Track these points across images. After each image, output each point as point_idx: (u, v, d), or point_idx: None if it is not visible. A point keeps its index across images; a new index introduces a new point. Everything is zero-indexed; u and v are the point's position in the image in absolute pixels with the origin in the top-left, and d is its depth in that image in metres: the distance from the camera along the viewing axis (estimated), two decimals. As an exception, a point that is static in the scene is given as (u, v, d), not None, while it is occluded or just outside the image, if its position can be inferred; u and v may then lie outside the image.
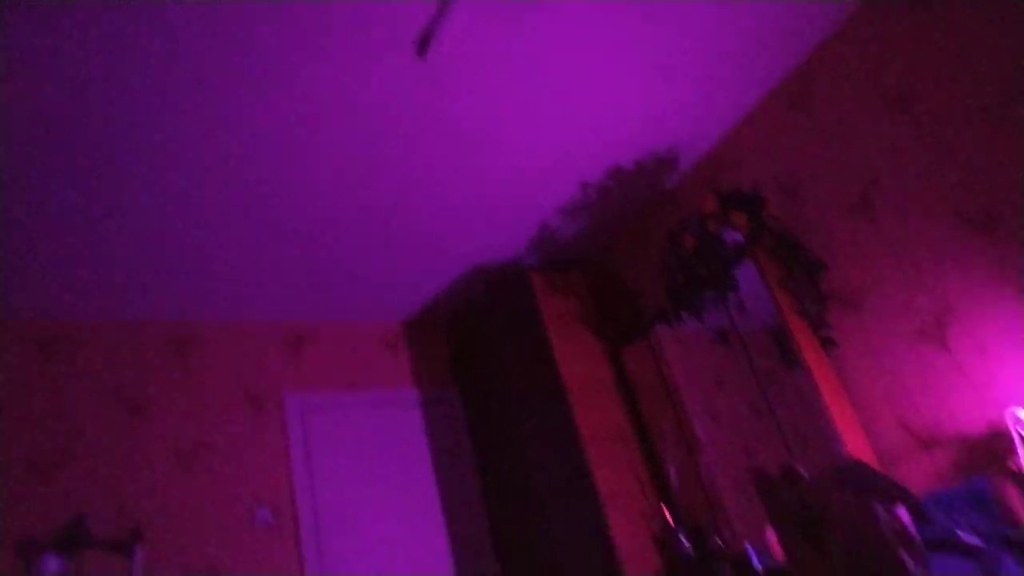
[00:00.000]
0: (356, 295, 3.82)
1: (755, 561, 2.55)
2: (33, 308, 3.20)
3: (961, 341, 2.40)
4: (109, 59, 2.10)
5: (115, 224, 2.80)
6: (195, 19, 2.05)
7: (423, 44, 2.37)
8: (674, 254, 3.08)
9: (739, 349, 2.99)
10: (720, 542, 2.76)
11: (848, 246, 2.75)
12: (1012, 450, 2.15)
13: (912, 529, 0.37)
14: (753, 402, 2.92)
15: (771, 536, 2.56)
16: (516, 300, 3.66)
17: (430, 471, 3.83)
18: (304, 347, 3.85)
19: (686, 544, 2.71)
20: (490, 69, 2.55)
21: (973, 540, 2.04)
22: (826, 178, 2.84)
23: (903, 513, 0.39)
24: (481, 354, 3.93)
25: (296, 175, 2.80)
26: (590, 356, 3.45)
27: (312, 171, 2.80)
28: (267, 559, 3.21)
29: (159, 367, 3.43)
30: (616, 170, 3.32)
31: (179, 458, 3.25)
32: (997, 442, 2.24)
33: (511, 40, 2.45)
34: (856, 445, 2.52)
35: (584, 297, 3.67)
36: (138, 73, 2.17)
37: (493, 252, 3.74)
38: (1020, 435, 2.11)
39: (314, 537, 3.34)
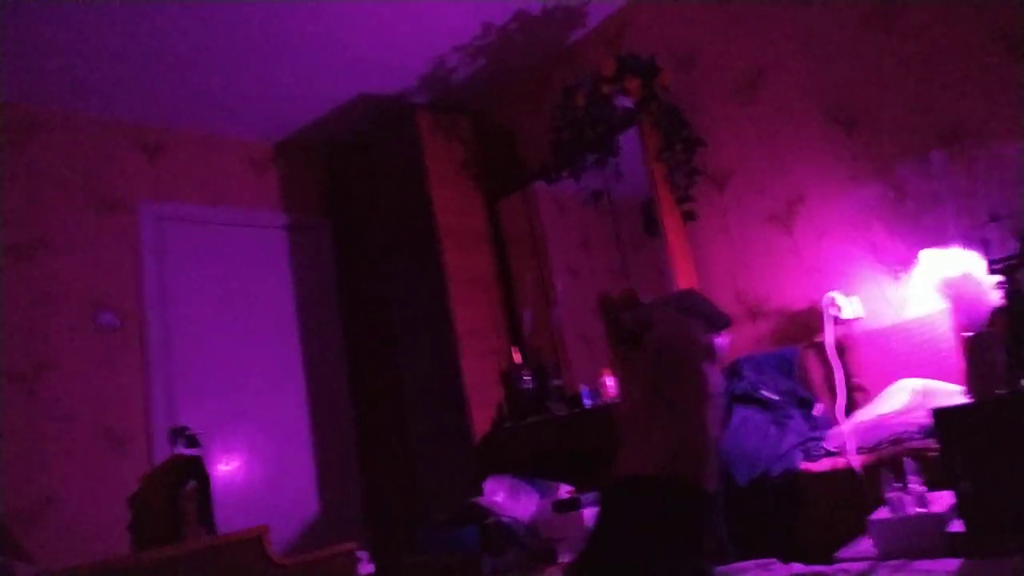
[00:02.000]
0: (226, 107, 3.63)
1: (585, 399, 2.89)
2: None
3: (804, 228, 2.70)
4: None
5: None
6: None
7: None
8: (564, 111, 3.16)
9: (609, 213, 3.19)
10: (559, 383, 3.08)
11: (726, 127, 2.94)
12: (821, 327, 2.51)
13: (720, 349, 0.47)
14: (613, 264, 3.16)
15: (604, 380, 2.89)
16: (399, 136, 3.64)
17: (291, 297, 3.89)
18: (165, 155, 3.66)
19: (528, 382, 2.99)
20: None
21: (772, 396, 2.41)
22: (720, 59, 2.98)
23: (719, 338, 0.49)
24: (356, 186, 3.92)
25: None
26: (466, 202, 3.55)
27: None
28: (108, 362, 3.21)
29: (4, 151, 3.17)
30: (521, 15, 3.29)
31: (15, 252, 3.09)
32: (811, 319, 2.60)
33: None
34: (695, 311, 2.83)
35: (469, 144, 3.71)
36: None
37: (380, 82, 3.65)
38: (830, 315, 2.47)
39: (162, 347, 3.36)
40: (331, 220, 4.18)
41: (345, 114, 3.91)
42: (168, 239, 3.56)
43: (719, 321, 0.64)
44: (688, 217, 2.96)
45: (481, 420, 3.18)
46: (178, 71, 3.27)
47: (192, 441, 3.18)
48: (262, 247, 3.88)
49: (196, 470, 2.29)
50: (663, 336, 0.57)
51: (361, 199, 3.87)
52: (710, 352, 0.57)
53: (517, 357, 3.24)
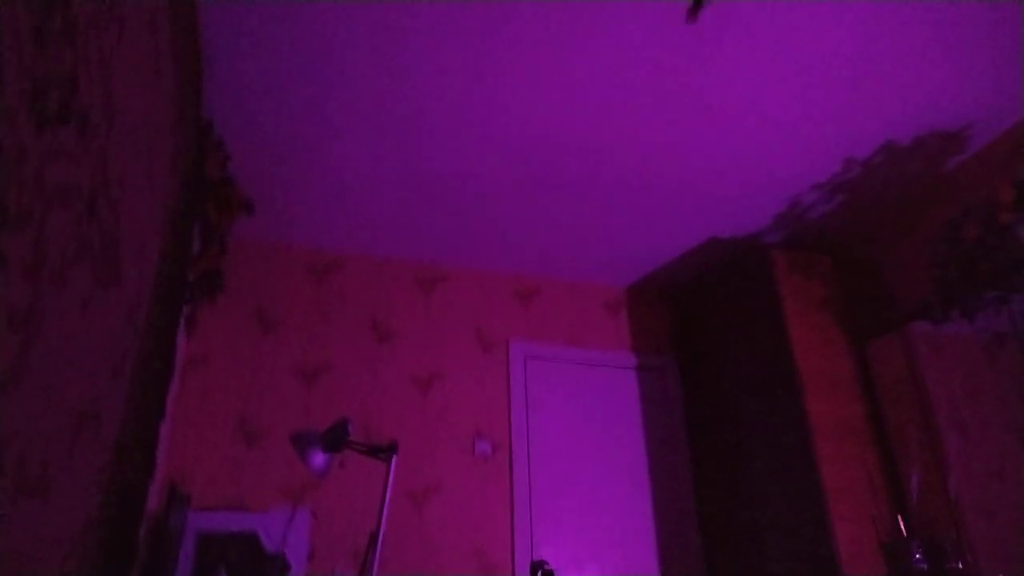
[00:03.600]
0: (586, 256, 4.05)
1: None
2: (307, 237, 3.81)
3: None
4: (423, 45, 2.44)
5: (386, 170, 3.24)
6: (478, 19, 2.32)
7: (694, 9, 2.44)
8: (951, 245, 2.90)
9: (1014, 359, 2.76)
10: (960, 565, 2.64)
11: None
12: None
13: None
14: (1013, 421, 2.70)
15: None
16: (753, 276, 3.66)
17: (640, 434, 4.02)
18: (532, 300, 4.19)
19: (920, 559, 2.62)
20: (758, 38, 2.55)
21: None
22: None
23: None
24: (706, 327, 3.99)
25: (551, 135, 3.03)
26: (829, 344, 3.38)
27: (562, 133, 3.02)
28: (481, 489, 3.61)
29: (405, 301, 3.95)
30: (888, 146, 3.16)
31: (416, 384, 3.74)
32: None
33: (782, 9, 2.44)
34: None
35: (830, 282, 3.57)
36: (430, 61, 2.50)
37: (733, 225, 3.75)
38: None
39: (524, 479, 3.69)
40: (679, 360, 4.30)
41: (695, 256, 4.07)
42: (532, 376, 3.98)
43: None
44: None
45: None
46: (548, 225, 3.76)
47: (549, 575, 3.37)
48: (614, 385, 4.12)
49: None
50: None
51: (710, 339, 3.92)
52: None
53: (903, 527, 2.87)
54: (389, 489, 2.51)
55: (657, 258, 4.10)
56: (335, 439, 2.73)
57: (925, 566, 2.57)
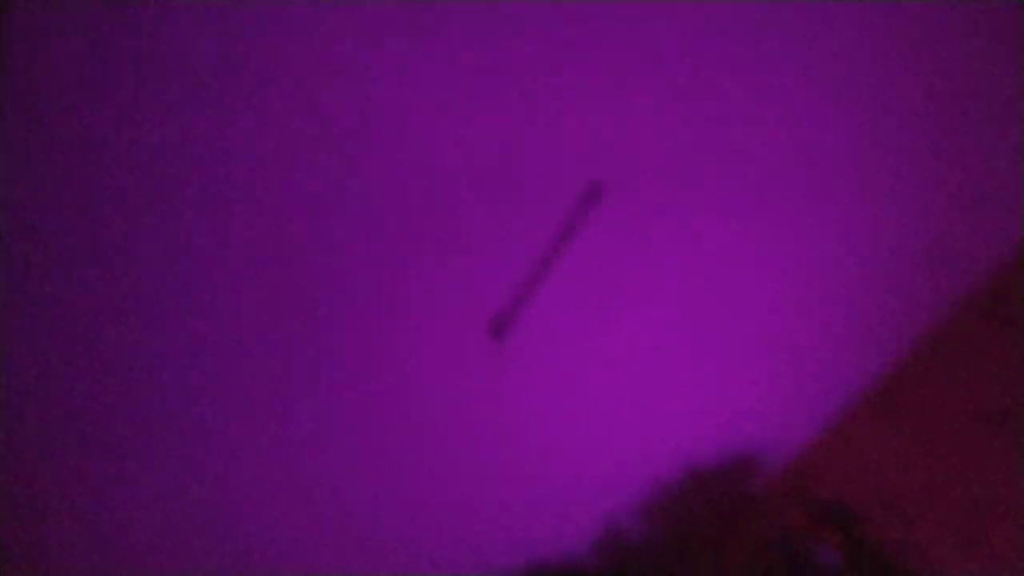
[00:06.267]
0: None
1: None
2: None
3: None
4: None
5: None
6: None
7: (499, 328, 2.66)
8: (760, 570, 3.01)
9: None
10: None
11: (961, 581, 2.66)
12: None
13: None
14: None
15: None
16: (575, 609, 3.53)
17: None
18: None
19: None
20: (563, 362, 2.80)
21: None
22: (926, 497, 2.85)
23: None
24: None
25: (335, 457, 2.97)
26: None
27: (350, 455, 2.98)
28: None
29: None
30: (692, 470, 3.40)
31: None
32: None
33: (588, 335, 2.73)
34: None
35: (653, 613, 3.52)
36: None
37: (553, 547, 3.70)
38: None
39: None
40: None
41: (514, 586, 3.91)
42: None
43: None
44: None
45: None
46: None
47: None
48: None
49: None
50: None
51: None
52: None
53: None
54: None
55: (473, 591, 3.88)
56: None
57: None
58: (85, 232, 1.78)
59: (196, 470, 2.46)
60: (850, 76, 2.28)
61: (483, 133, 2.09)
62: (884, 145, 2.48)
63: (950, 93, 2.41)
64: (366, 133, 1.97)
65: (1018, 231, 2.68)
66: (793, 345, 2.92)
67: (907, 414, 2.96)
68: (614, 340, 2.77)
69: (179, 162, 1.77)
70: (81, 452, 2.19)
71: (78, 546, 2.48)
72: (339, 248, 2.26)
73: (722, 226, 2.47)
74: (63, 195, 1.72)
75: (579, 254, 2.50)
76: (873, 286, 2.78)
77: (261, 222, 2.02)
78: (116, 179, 1.73)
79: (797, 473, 3.36)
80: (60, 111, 1.59)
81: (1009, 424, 2.61)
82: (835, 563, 2.87)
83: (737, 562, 3.39)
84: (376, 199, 2.15)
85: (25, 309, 1.84)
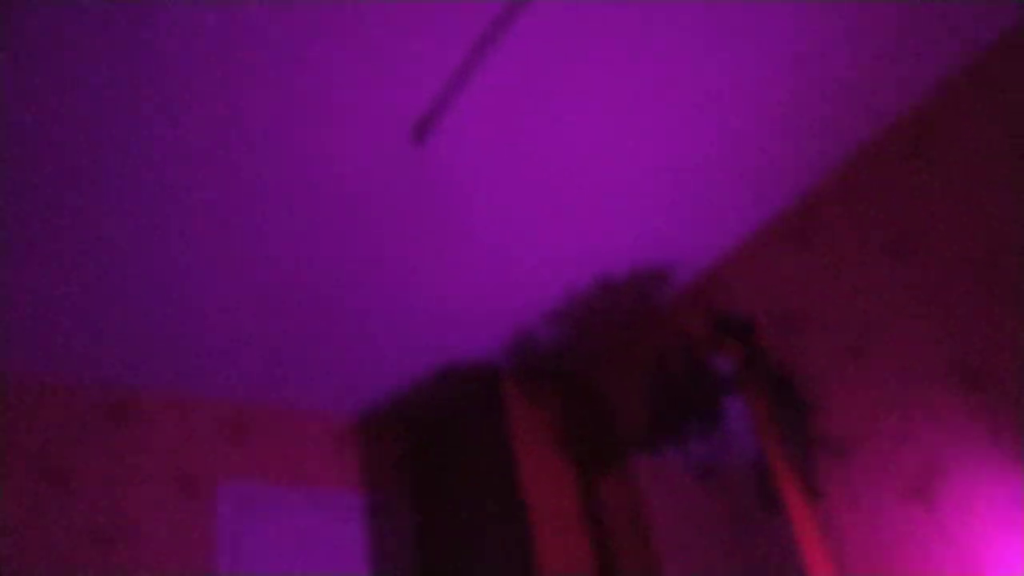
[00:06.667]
0: (309, 383, 3.87)
1: None
2: (-43, 359, 3.20)
3: (947, 502, 2.54)
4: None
5: (62, 275, 2.87)
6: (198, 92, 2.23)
7: (421, 130, 2.56)
8: (660, 378, 3.23)
9: (720, 487, 3.10)
10: None
11: (840, 391, 2.92)
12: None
13: None
14: (729, 545, 3.01)
15: None
16: (485, 407, 3.75)
17: (369, 586, 3.79)
18: (246, 431, 3.85)
19: None
20: (486, 164, 2.74)
21: None
22: (823, 316, 3.05)
23: None
24: (439, 460, 3.97)
25: (260, 246, 2.92)
26: (560, 478, 3.52)
27: (276, 241, 2.93)
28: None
29: (88, 435, 3.40)
30: (605, 279, 3.51)
31: (97, 541, 3.19)
32: (980, 618, 2.35)
33: (512, 137, 2.66)
34: (835, 605, 2.61)
35: (561, 414, 3.77)
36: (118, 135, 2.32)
37: (465, 351, 3.86)
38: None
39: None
40: (411, 496, 4.19)
41: (428, 384, 4.09)
42: (245, 524, 3.61)
43: None
44: (813, 493, 2.85)
45: None
46: (261, 346, 3.55)
47: None
48: (341, 528, 3.88)
49: None
50: None
51: (446, 474, 3.90)
52: None
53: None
54: None
55: (387, 385, 4.05)
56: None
57: None
58: None
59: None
60: None
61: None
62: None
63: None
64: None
65: (943, 69, 2.67)
66: (710, 163, 2.94)
67: (817, 239, 3.09)
68: (532, 149, 2.72)
69: None
70: None
71: None
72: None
73: (650, 48, 2.37)
74: None
75: (506, 60, 2.37)
76: (792, 112, 2.78)
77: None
78: None
79: (705, 288, 3.52)
80: None
81: (911, 259, 2.76)
82: (730, 371, 3.10)
83: (641, 368, 3.62)
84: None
85: None
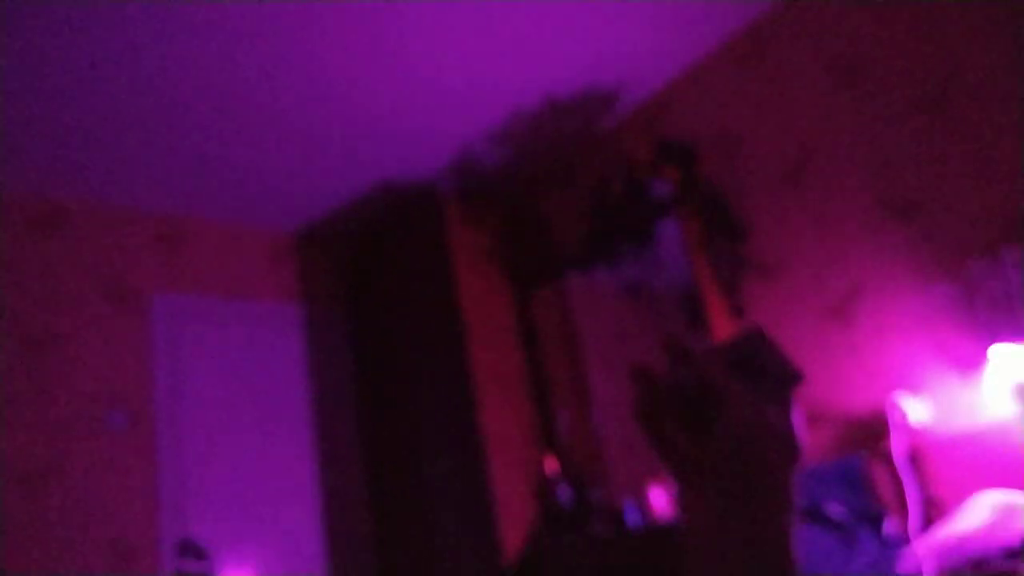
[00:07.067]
0: (245, 196, 3.78)
1: (630, 517, 2.82)
2: None
3: (863, 323, 2.68)
4: None
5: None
6: None
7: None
8: (599, 199, 3.24)
9: (648, 306, 3.21)
10: (601, 496, 3.03)
11: (773, 215, 2.97)
12: (886, 434, 2.46)
13: (800, 435, 0.40)
14: (654, 361, 3.16)
15: (652, 493, 2.83)
16: (424, 225, 3.74)
17: (307, 397, 3.92)
18: (181, 245, 3.79)
19: (565, 495, 2.95)
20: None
21: (837, 513, 2.35)
22: (763, 142, 3.04)
23: (797, 416, 0.41)
24: (377, 278, 4.01)
25: (198, 50, 2.74)
26: (496, 295, 3.60)
27: (215, 49, 2.75)
28: (117, 465, 3.24)
29: (18, 245, 3.31)
30: (551, 102, 3.42)
31: (28, 346, 3.19)
32: (876, 424, 2.55)
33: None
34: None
35: (498, 233, 3.80)
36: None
37: (406, 170, 3.78)
38: (895, 420, 2.42)
39: (172, 448, 3.39)
40: (348, 311, 4.25)
41: (367, 202, 4.04)
42: (181, 334, 3.64)
43: (792, 378, 0.51)
44: (735, 312, 2.96)
45: (513, 538, 3.12)
46: (202, 157, 3.43)
47: (199, 554, 3.17)
48: (277, 342, 3.95)
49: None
50: (745, 425, 0.45)
51: (383, 292, 3.95)
52: (800, 451, 0.47)
53: (552, 466, 3.20)
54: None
55: (326, 202, 3.99)
56: None
57: (569, 500, 2.91)
58: None
59: None
60: None
61: None
62: None
63: None
64: None
65: None
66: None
67: (764, 65, 3.02)
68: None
69: None
70: None
71: None
72: None
73: None
74: None
75: None
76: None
77: None
78: None
79: (650, 113, 3.46)
80: None
81: (857, 82, 2.72)
82: (667, 195, 3.11)
83: (582, 192, 3.62)
84: None
85: None
